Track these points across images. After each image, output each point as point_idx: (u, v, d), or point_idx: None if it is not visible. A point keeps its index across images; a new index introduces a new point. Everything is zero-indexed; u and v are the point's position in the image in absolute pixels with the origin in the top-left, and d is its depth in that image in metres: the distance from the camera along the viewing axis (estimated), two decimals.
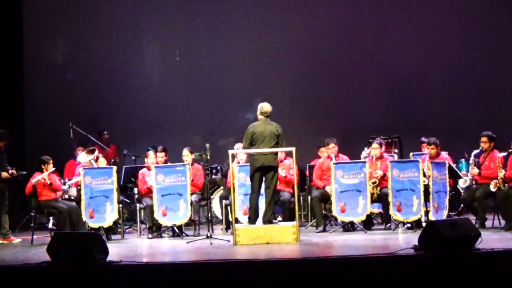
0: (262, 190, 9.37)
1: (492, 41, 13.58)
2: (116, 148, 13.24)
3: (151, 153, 10.65)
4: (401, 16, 13.84)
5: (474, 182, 10.07)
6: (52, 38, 13.85)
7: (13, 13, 13.21)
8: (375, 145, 10.38)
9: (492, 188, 9.65)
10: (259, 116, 9.41)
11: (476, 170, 9.95)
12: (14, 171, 10.23)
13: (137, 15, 13.92)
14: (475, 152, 10.06)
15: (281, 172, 10.44)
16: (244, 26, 13.89)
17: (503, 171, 9.64)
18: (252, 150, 9.27)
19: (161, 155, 10.58)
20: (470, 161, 10.09)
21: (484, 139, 9.98)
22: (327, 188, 10.22)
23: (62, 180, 10.59)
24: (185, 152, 10.72)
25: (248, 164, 9.67)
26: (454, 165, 10.16)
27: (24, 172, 10.53)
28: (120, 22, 13.91)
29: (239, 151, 10.36)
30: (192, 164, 10.54)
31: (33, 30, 13.69)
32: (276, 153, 9.37)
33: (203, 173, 10.50)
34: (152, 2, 13.98)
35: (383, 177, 10.04)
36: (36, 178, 10.06)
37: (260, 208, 9.36)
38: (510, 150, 9.82)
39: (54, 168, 10.29)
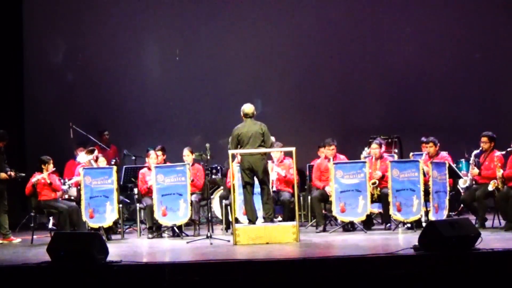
0: (256, 190, 9.40)
1: (491, 42, 13.57)
2: (117, 148, 13.24)
3: (152, 153, 10.64)
4: (400, 16, 13.83)
5: (474, 182, 10.06)
6: (52, 38, 13.84)
7: (13, 13, 13.20)
8: (374, 145, 10.37)
9: (491, 188, 9.64)
10: (243, 118, 9.44)
11: (476, 171, 9.94)
12: (12, 173, 10.21)
13: (137, 15, 13.91)
14: (475, 152, 10.05)
15: (281, 172, 10.44)
16: (243, 26, 13.88)
17: (501, 171, 9.64)
18: (251, 151, 9.26)
19: (159, 153, 10.61)
20: (470, 161, 10.08)
21: (484, 139, 9.97)
22: (327, 189, 10.23)
23: (62, 180, 10.59)
24: (186, 152, 10.72)
25: None
26: (454, 165, 10.16)
27: (23, 174, 10.51)
28: (120, 22, 13.89)
29: (238, 151, 10.34)
30: (192, 164, 10.54)
31: (33, 30, 13.68)
32: (263, 153, 9.38)
33: (203, 173, 10.50)
34: (152, 2, 13.97)
35: (383, 178, 10.03)
36: (36, 177, 10.05)
37: (258, 209, 9.39)
38: (509, 149, 9.82)
39: (54, 168, 10.29)
